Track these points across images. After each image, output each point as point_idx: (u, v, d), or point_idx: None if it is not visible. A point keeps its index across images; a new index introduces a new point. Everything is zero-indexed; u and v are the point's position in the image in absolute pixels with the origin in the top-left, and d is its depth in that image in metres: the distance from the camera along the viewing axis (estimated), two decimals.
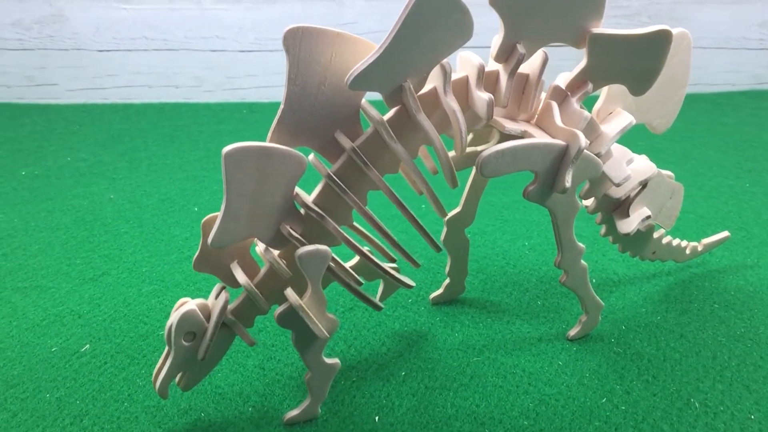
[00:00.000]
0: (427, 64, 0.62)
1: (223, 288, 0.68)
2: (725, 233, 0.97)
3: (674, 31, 0.77)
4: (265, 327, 0.84)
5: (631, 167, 0.80)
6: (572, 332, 0.82)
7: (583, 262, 0.77)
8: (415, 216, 0.68)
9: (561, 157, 0.68)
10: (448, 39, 0.61)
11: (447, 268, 0.87)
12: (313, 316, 0.65)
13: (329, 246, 0.67)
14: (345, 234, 0.65)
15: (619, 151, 0.79)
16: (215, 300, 0.67)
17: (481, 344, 0.81)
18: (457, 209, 0.83)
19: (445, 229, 0.84)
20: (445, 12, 0.59)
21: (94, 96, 1.57)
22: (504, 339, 0.82)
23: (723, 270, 0.95)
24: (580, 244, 0.76)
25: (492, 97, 0.65)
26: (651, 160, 1.28)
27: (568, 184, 0.68)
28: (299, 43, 0.62)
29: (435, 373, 0.77)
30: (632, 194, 0.81)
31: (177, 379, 0.69)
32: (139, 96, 1.58)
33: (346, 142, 0.64)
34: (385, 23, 1.50)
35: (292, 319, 0.66)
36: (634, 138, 1.40)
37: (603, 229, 0.84)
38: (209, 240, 0.62)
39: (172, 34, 1.51)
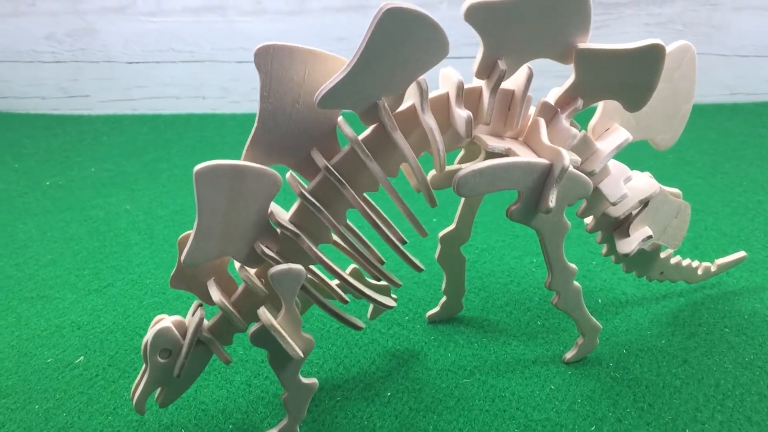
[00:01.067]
0: (401, 82, 0.61)
1: (200, 305, 0.68)
2: (741, 253, 0.92)
3: (676, 44, 0.74)
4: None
5: (630, 185, 0.77)
6: (568, 355, 0.79)
7: (575, 283, 0.74)
8: (392, 236, 0.67)
9: (545, 177, 0.66)
10: (421, 56, 0.60)
11: (443, 286, 0.85)
12: (286, 336, 0.64)
13: (308, 264, 0.67)
14: (319, 254, 0.64)
15: (617, 168, 0.76)
16: (192, 317, 0.67)
17: (473, 365, 0.79)
18: (452, 226, 0.81)
19: (439, 247, 0.82)
20: (414, 29, 0.57)
21: (124, 107, 1.61)
22: (497, 360, 0.80)
23: (740, 292, 0.91)
24: (572, 265, 0.73)
25: (470, 114, 0.63)
26: (680, 172, 1.24)
27: (551, 204, 0.65)
28: (271, 61, 0.61)
29: (421, 394, 0.75)
30: (633, 213, 0.77)
31: (156, 394, 0.69)
32: (167, 107, 1.61)
33: (320, 160, 0.63)
34: None
35: (265, 338, 0.65)
36: (663, 151, 1.35)
37: (604, 249, 0.80)
38: (182, 258, 0.62)
39: (199, 46, 1.53)
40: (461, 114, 0.63)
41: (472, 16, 0.61)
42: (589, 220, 0.79)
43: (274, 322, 0.64)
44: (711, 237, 1.04)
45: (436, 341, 0.83)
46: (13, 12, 1.51)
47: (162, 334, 0.66)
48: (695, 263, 0.88)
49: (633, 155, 1.31)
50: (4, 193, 1.26)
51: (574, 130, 0.67)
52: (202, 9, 1.50)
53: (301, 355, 0.65)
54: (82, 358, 0.82)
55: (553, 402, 0.73)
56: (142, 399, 0.68)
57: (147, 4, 1.50)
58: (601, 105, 0.74)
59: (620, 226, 0.78)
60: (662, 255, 0.84)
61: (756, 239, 1.03)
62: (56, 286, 0.97)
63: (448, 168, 0.69)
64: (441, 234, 0.82)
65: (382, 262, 0.70)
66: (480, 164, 0.63)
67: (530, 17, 0.62)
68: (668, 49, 0.74)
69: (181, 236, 0.65)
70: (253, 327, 0.65)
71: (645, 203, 0.77)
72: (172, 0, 1.49)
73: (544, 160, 0.65)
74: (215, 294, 0.66)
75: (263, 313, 0.64)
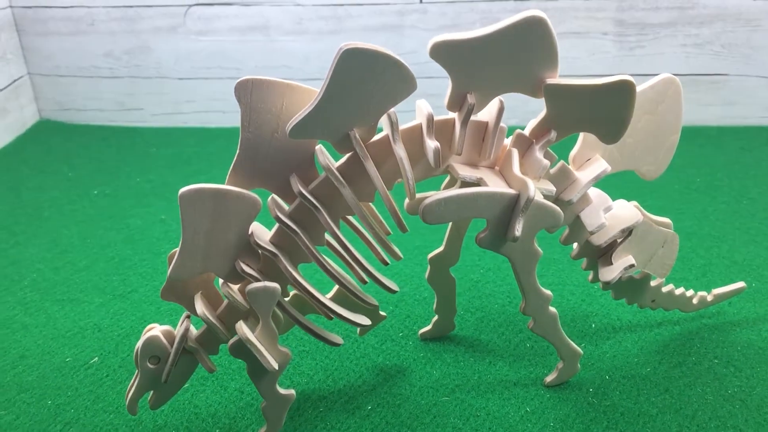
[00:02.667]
0: (370, 115, 0.65)
1: (188, 317, 0.74)
2: (740, 284, 0.91)
3: (658, 77, 0.75)
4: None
5: (613, 214, 0.78)
6: (549, 378, 0.81)
7: (551, 308, 0.76)
8: (364, 262, 0.70)
9: (512, 206, 0.68)
10: (388, 91, 0.63)
11: (434, 306, 0.88)
12: (261, 349, 0.69)
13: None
14: (294, 273, 0.68)
15: (598, 198, 0.77)
16: (180, 328, 0.73)
17: (455, 383, 0.82)
18: (440, 249, 0.84)
19: (429, 268, 0.85)
20: (376, 66, 0.61)
21: (175, 120, 1.70)
22: (480, 380, 0.82)
23: (738, 322, 0.90)
24: (546, 291, 0.75)
25: (438, 145, 0.66)
26: (704, 197, 1.22)
27: (517, 233, 0.68)
28: (250, 94, 0.66)
29: (400, 409, 0.78)
30: (618, 240, 0.78)
31: (149, 397, 0.75)
32: (214, 121, 1.69)
33: (295, 186, 0.68)
34: None
35: (242, 350, 0.70)
36: (692, 174, 1.33)
37: (591, 275, 0.82)
38: (169, 273, 0.68)
39: (244, 63, 1.61)
40: (430, 145, 0.67)
41: (437, 53, 0.64)
42: (575, 246, 0.81)
43: (250, 336, 0.68)
44: (722, 264, 1.03)
45: (425, 358, 0.86)
46: (76, 31, 1.62)
47: (150, 342, 0.72)
48: (689, 292, 0.88)
49: (656, 180, 1.30)
50: (56, 200, 1.36)
51: (545, 162, 0.70)
52: (247, 29, 1.57)
53: (275, 367, 0.69)
54: (96, 358, 0.89)
55: (525, 424, 0.75)
56: (134, 401, 0.74)
57: (196, 24, 1.58)
58: (581, 136, 0.75)
59: (605, 254, 0.80)
60: (653, 283, 0.85)
61: (767, 269, 1.01)
62: (86, 290, 1.05)
63: (420, 195, 0.71)
64: (430, 255, 0.85)
65: (363, 282, 0.74)
66: (446, 193, 0.67)
67: (494, 54, 0.64)
68: (651, 82, 0.75)
69: (170, 252, 0.70)
70: (232, 340, 0.70)
71: (628, 232, 0.78)
72: (220, 20, 1.57)
73: (510, 190, 0.68)
74: (199, 307, 0.71)
75: (240, 326, 0.69)
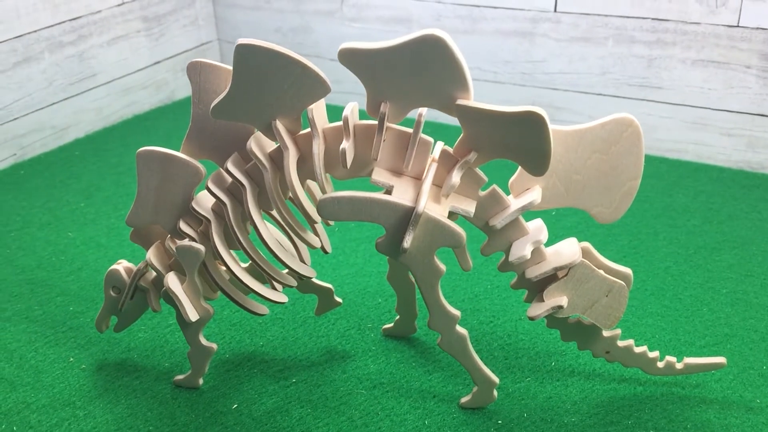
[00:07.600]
0: (288, 109, 0.71)
1: None
2: (720, 359, 0.81)
3: (611, 116, 0.71)
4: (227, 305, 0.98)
5: (556, 251, 0.76)
6: (464, 400, 0.81)
7: (459, 329, 0.76)
8: (273, 246, 0.76)
9: (408, 218, 0.69)
10: (299, 89, 0.69)
11: (396, 306, 0.90)
12: (183, 301, 0.78)
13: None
14: (217, 240, 0.76)
15: (535, 231, 0.75)
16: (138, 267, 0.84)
17: (381, 381, 0.85)
18: None
19: (389, 267, 0.88)
20: (277, 64, 0.67)
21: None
22: (405, 385, 0.84)
23: (712, 401, 0.80)
24: (454, 311, 0.75)
25: (345, 147, 0.70)
26: (755, 262, 1.05)
27: (406, 245, 0.69)
28: (199, 74, 0.75)
29: (317, 389, 0.83)
30: (560, 275, 0.75)
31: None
32: (355, 100, 1.80)
33: (227, 162, 0.75)
34: (574, 65, 1.47)
35: (170, 299, 0.80)
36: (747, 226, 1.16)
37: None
38: (126, 219, 0.80)
39: None
40: (342, 146, 0.71)
41: (344, 59, 0.68)
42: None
43: (173, 287, 0.78)
44: (721, 334, 0.90)
45: (373, 352, 0.90)
46: (255, 6, 1.82)
47: (111, 275, 0.84)
48: (654, 353, 0.81)
49: (714, 236, 1.16)
50: None
51: (454, 181, 0.70)
52: (391, 19, 1.65)
53: (192, 319, 0.78)
54: None
55: None
56: (99, 320, 0.87)
57: (351, 11, 1.70)
58: None
59: (543, 289, 0.77)
60: (607, 333, 0.79)
61: None
62: None
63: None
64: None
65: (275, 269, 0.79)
66: (341, 193, 0.70)
67: (398, 68, 0.67)
68: (602, 120, 0.71)
69: None
70: (164, 288, 0.80)
71: (566, 272, 0.74)
72: (370, 10, 1.66)
73: (407, 203, 0.69)
74: (150, 252, 0.82)
75: (167, 277, 0.78)
